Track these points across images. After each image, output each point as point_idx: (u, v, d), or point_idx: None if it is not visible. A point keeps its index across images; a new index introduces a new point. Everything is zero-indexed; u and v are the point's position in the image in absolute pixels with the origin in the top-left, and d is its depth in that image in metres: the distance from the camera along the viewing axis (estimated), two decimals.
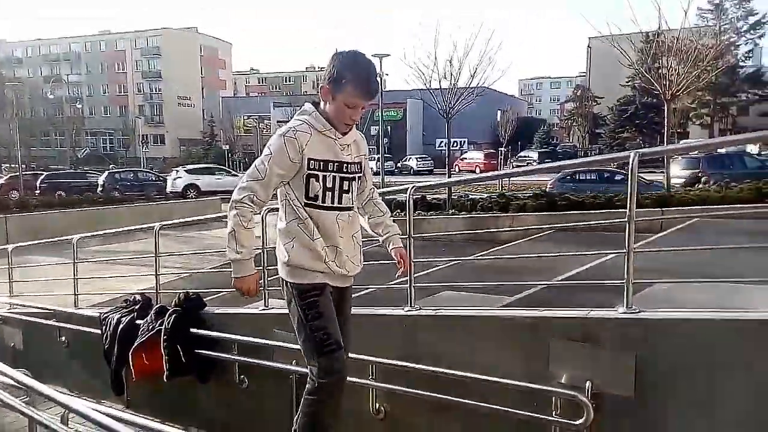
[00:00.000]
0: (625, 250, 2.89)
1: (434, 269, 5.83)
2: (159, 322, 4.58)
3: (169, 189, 27.59)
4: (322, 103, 2.58)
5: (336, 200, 2.58)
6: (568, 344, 2.89)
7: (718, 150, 20.25)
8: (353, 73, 2.47)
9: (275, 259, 2.70)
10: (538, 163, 37.12)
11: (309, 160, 2.50)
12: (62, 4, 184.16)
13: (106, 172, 30.35)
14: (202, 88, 78.09)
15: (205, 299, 4.88)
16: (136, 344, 4.63)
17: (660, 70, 13.17)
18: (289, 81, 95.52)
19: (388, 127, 44.89)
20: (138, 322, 4.85)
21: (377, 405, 3.50)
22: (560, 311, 3.11)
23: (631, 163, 2.88)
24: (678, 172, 16.88)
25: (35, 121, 61.67)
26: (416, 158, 47.19)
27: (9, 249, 7.54)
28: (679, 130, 42.60)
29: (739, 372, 2.54)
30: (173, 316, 4.49)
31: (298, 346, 2.71)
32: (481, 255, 6.12)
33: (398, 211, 8.43)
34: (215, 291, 5.64)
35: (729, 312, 2.76)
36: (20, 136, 27.91)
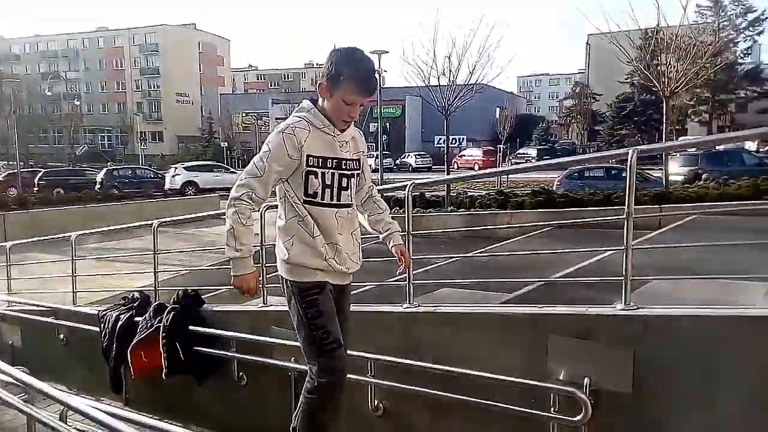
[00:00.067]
0: (623, 247, 2.89)
1: (433, 266, 5.83)
2: (158, 319, 4.58)
3: (167, 186, 27.57)
4: (320, 100, 2.57)
5: (335, 197, 2.57)
6: (567, 341, 2.90)
7: (717, 147, 20.25)
8: (351, 70, 2.46)
9: (274, 257, 2.69)
10: (537, 160, 37.13)
11: (308, 156, 2.50)
12: (62, 3, 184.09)
13: (105, 170, 30.33)
14: (201, 85, 77.89)
15: (203, 296, 4.88)
16: (134, 342, 4.63)
17: (659, 67, 13.17)
18: (288, 78, 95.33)
19: (387, 124, 44.89)
20: (137, 319, 4.85)
21: (376, 402, 3.50)
22: (559, 308, 3.12)
23: (629, 160, 2.89)
24: (676, 169, 16.89)
25: (33, 118, 61.44)
26: (415, 155, 47.16)
27: (7, 246, 7.54)
28: (677, 127, 42.57)
29: (737, 368, 2.55)
30: (172, 313, 4.50)
31: (296, 344, 2.70)
32: (479, 252, 6.12)
33: (397, 208, 8.43)
34: (214, 288, 5.65)
35: (727, 308, 2.77)
36: (18, 133, 27.85)
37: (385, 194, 2.96)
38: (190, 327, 4.44)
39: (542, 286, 4.44)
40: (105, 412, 2.13)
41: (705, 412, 2.61)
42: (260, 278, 3.70)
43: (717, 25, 34.77)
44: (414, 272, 3.59)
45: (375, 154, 27.04)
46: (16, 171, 26.42)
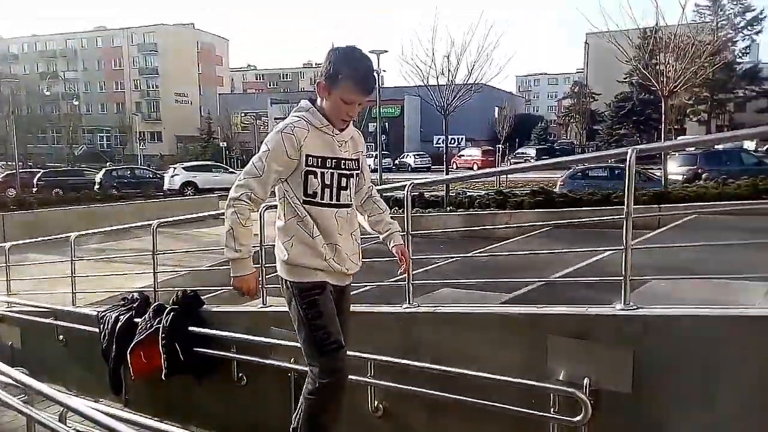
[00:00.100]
0: (622, 247, 2.89)
1: (432, 266, 5.83)
2: (157, 320, 4.58)
3: (166, 186, 27.56)
4: (319, 100, 2.56)
5: (334, 197, 2.56)
6: (567, 341, 2.90)
7: (716, 146, 20.27)
8: (350, 69, 2.45)
9: (273, 257, 2.69)
10: (536, 160, 37.12)
11: (307, 156, 2.49)
12: (62, 4, 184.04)
13: (104, 170, 30.32)
14: (199, 85, 77.85)
15: (203, 297, 4.87)
16: (134, 343, 4.63)
17: (657, 67, 13.20)
18: (287, 78, 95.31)
19: (386, 124, 44.84)
20: (136, 320, 4.84)
21: (376, 402, 3.50)
22: (558, 308, 3.11)
23: (628, 159, 2.88)
24: (675, 169, 16.89)
25: (32, 118, 61.37)
26: (414, 155, 47.16)
27: (6, 247, 7.53)
28: (676, 127, 42.59)
29: (737, 367, 2.55)
30: (171, 314, 4.49)
31: (296, 344, 2.70)
32: (479, 252, 6.12)
33: (396, 208, 8.43)
34: (213, 289, 5.64)
35: (726, 308, 2.78)
36: (17, 133, 27.83)
37: (384, 194, 2.95)
38: (190, 328, 4.44)
39: (542, 287, 4.44)
40: (105, 413, 2.13)
41: (705, 411, 2.61)
42: (260, 279, 3.70)
43: (715, 24, 34.85)
44: (413, 272, 3.59)
45: (374, 154, 27.04)
46: (14, 171, 26.41)
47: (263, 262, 4.04)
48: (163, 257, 6.22)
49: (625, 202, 2.90)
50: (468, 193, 12.90)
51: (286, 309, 2.69)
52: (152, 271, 5.44)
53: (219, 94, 75.79)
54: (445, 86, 14.54)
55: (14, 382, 2.63)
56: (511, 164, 36.13)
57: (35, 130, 62.39)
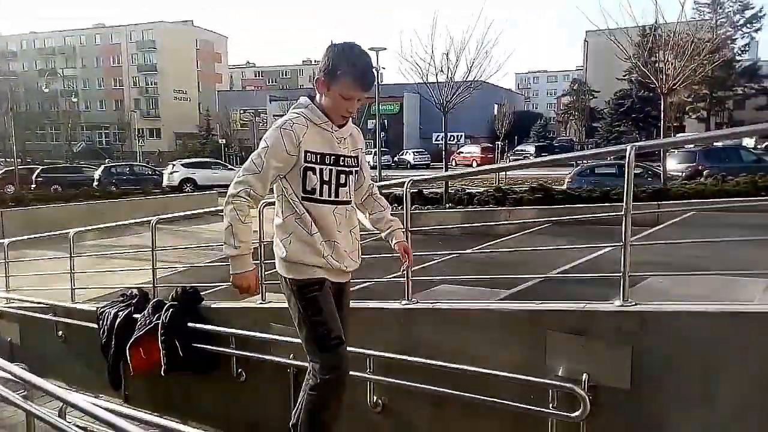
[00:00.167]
0: (621, 243, 2.89)
1: (431, 263, 5.83)
2: (156, 316, 4.59)
3: (165, 183, 27.52)
4: (318, 96, 2.55)
5: (333, 194, 2.56)
6: (565, 337, 2.90)
7: (715, 144, 20.26)
8: (349, 64, 2.45)
9: (273, 254, 2.69)
10: (535, 157, 37.11)
11: (306, 152, 2.48)
12: (62, 3, 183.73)
13: (102, 167, 30.23)
14: (198, 82, 77.73)
15: (202, 293, 4.87)
16: (133, 339, 4.63)
17: (657, 64, 13.18)
18: (286, 75, 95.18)
19: (385, 121, 44.90)
20: (135, 316, 4.85)
21: (375, 398, 3.51)
22: (557, 304, 3.12)
23: (627, 156, 2.89)
24: (674, 166, 16.89)
25: (30, 115, 61.27)
26: (413, 152, 47.17)
27: (5, 243, 7.52)
28: (675, 124, 42.55)
29: (735, 364, 2.56)
30: (170, 310, 4.50)
31: (295, 340, 2.70)
32: (478, 249, 6.12)
33: (395, 205, 8.42)
34: (212, 285, 5.64)
35: (725, 304, 2.78)
36: (15, 130, 27.80)
37: (383, 191, 2.95)
38: (189, 324, 4.44)
39: (540, 283, 4.44)
40: (104, 409, 2.13)
41: (704, 407, 2.62)
42: (259, 276, 3.70)
43: (715, 22, 34.75)
44: (412, 269, 3.59)
45: (373, 151, 27.02)
46: (13, 168, 26.38)
47: (262, 258, 4.04)
48: (162, 254, 6.22)
49: (624, 199, 2.90)
50: (467, 190, 12.90)
51: (286, 305, 2.69)
52: (151, 267, 5.44)
53: (218, 91, 75.66)
54: (445, 83, 14.54)
55: (14, 378, 2.62)
56: (510, 161, 36.12)
57: (34, 126, 62.28)
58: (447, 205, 11.44)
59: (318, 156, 2.51)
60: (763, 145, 29.15)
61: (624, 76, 46.26)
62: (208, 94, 74.52)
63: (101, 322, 5.13)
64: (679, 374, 2.66)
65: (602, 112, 53.94)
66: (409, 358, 3.28)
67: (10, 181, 25.26)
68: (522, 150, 45.66)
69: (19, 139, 35.60)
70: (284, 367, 3.81)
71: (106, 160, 42.82)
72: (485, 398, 3.01)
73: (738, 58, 47.54)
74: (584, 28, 59.51)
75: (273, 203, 2.69)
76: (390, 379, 3.39)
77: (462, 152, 43.20)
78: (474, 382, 3.06)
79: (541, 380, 2.87)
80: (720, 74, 40.60)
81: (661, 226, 7.19)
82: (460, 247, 6.46)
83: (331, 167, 2.54)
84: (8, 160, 32.14)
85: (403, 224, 2.95)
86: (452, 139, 34.39)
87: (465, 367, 3.06)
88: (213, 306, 4.68)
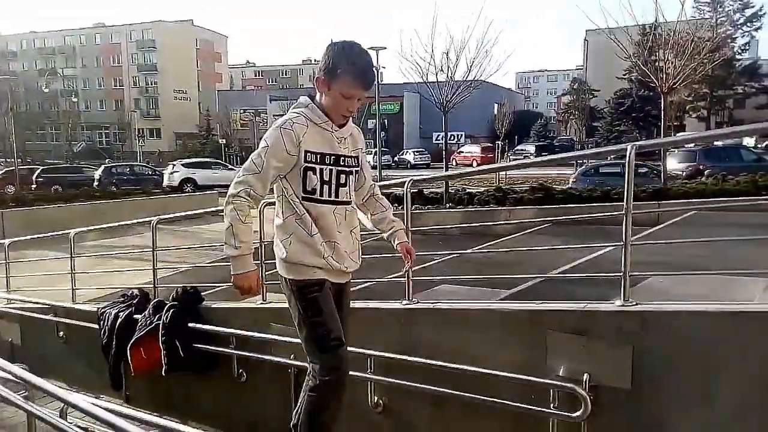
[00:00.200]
0: (622, 243, 2.89)
1: (431, 263, 5.83)
2: (157, 316, 4.59)
3: (165, 183, 27.51)
4: (318, 95, 2.54)
5: (333, 194, 2.55)
6: (566, 337, 2.90)
7: (715, 143, 20.25)
8: (349, 63, 2.43)
9: (273, 254, 2.68)
10: (535, 157, 37.11)
11: (306, 152, 2.47)
12: (62, 4, 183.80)
13: (103, 167, 30.24)
14: (198, 82, 77.73)
15: (202, 293, 4.88)
16: (134, 339, 4.63)
17: (657, 63, 13.18)
18: (286, 74, 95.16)
19: (385, 121, 44.88)
20: (136, 316, 4.85)
21: (376, 398, 3.51)
22: (558, 304, 3.12)
23: (628, 155, 2.88)
24: (674, 165, 16.89)
25: (30, 115, 61.31)
26: (413, 152, 47.15)
27: (6, 243, 7.52)
28: (675, 123, 42.54)
29: (736, 363, 2.56)
30: (171, 310, 4.50)
31: (296, 340, 2.70)
32: (478, 249, 6.12)
33: (395, 204, 8.39)
34: (213, 285, 5.65)
35: (725, 304, 2.78)
36: (15, 130, 27.81)
37: (383, 191, 2.95)
38: (190, 324, 4.44)
39: (541, 283, 4.44)
40: (105, 409, 2.13)
41: (704, 407, 2.62)
42: (260, 276, 3.69)
43: (715, 20, 34.69)
44: (413, 269, 3.59)
45: (373, 150, 27.02)
46: (14, 168, 26.39)
47: (263, 258, 4.04)
48: (163, 254, 6.23)
49: (625, 199, 2.90)
50: (467, 190, 12.91)
51: (286, 305, 2.68)
52: (152, 267, 5.44)
53: (218, 91, 75.66)
54: (445, 83, 14.53)
55: (14, 378, 2.62)
56: (510, 161, 36.11)
57: (34, 127, 62.30)
58: (447, 205, 11.45)
59: (318, 156, 2.50)
60: (764, 145, 29.12)
61: (624, 75, 46.26)
62: (208, 94, 74.51)
63: (102, 322, 5.13)
64: (679, 374, 2.66)
65: (602, 112, 53.94)
66: (410, 358, 3.28)
67: (11, 181, 25.27)
68: (522, 149, 45.65)
69: (20, 139, 35.61)
70: (285, 367, 3.81)
71: (107, 160, 42.82)
72: (486, 398, 3.01)
73: (738, 56, 47.48)
74: (584, 28, 59.51)
75: (273, 203, 2.69)
76: (390, 379, 3.39)
77: (462, 152, 43.18)
78: (474, 382, 3.06)
79: (542, 380, 2.87)
80: (720, 73, 40.56)
81: (662, 225, 7.19)
82: (461, 247, 6.46)
83: (331, 167, 2.53)
84: (8, 160, 32.13)
85: (403, 224, 2.95)
86: (452, 138, 34.35)
87: (465, 367, 3.06)
88: (214, 306, 4.68)
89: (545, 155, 35.22)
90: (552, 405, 2.83)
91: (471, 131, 48.02)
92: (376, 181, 2.95)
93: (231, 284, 2.57)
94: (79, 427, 2.44)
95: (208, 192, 22.91)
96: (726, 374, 2.57)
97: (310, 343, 2.56)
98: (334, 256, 2.55)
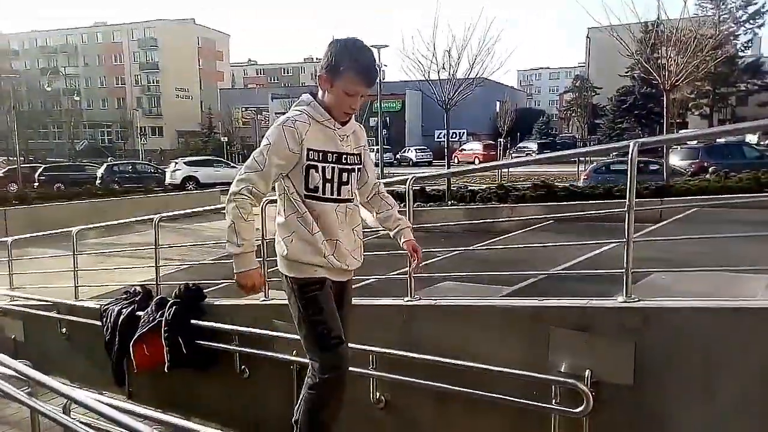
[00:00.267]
0: (624, 240, 2.89)
1: (434, 260, 5.84)
2: (159, 313, 4.60)
3: (167, 181, 27.54)
4: (320, 93, 2.53)
5: (335, 192, 2.54)
6: (568, 333, 2.91)
7: (718, 140, 20.23)
8: (352, 60, 2.42)
9: (275, 251, 2.68)
10: (537, 154, 37.07)
11: (308, 150, 2.46)
12: (62, 4, 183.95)
13: (105, 165, 30.29)
14: (200, 80, 77.78)
15: (205, 290, 4.89)
16: (136, 336, 4.64)
17: (659, 60, 13.14)
18: (288, 73, 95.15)
19: (387, 119, 44.79)
20: (138, 313, 4.86)
21: (378, 394, 3.51)
22: (560, 300, 3.12)
23: (631, 152, 2.88)
24: (677, 162, 16.87)
25: (33, 113, 61.42)
26: (415, 150, 47.13)
27: (8, 241, 7.54)
28: (678, 121, 42.49)
29: (737, 359, 2.56)
30: (174, 307, 4.51)
31: (298, 337, 2.70)
32: (480, 246, 6.12)
33: (398, 202, 8.39)
34: (215, 282, 5.65)
35: (727, 300, 2.78)
36: (18, 128, 27.83)
37: (385, 188, 2.95)
38: (192, 321, 4.46)
39: (543, 279, 4.45)
40: (108, 405, 2.14)
41: (706, 403, 2.62)
42: (263, 274, 3.70)
43: (717, 17, 34.59)
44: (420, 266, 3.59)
45: (375, 148, 27.02)
46: (16, 166, 26.43)
47: (265, 255, 4.05)
48: (165, 251, 6.24)
49: (627, 196, 2.89)
50: (469, 188, 12.90)
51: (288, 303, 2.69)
52: (154, 265, 5.45)
53: (220, 89, 75.68)
54: (447, 80, 14.51)
55: (18, 375, 2.63)
56: (512, 158, 36.08)
57: (36, 125, 62.44)
58: (449, 203, 11.44)
59: (320, 154, 2.49)
60: (766, 142, 29.04)
61: (626, 72, 46.11)
62: (210, 92, 74.56)
63: (105, 319, 5.15)
64: (681, 370, 2.66)
65: (605, 109, 53.85)
66: (412, 355, 3.28)
67: (13, 179, 25.33)
68: (524, 147, 45.59)
69: (22, 138, 35.71)
70: (287, 364, 3.82)
71: (109, 159, 42.86)
72: (488, 394, 3.01)
73: (741, 54, 47.30)
74: (584, 28, 59.54)
75: (275, 201, 2.69)
76: (393, 376, 3.40)
77: (464, 149, 43.15)
78: (476, 378, 3.06)
79: (544, 376, 2.87)
80: (723, 70, 40.37)
81: (664, 222, 7.19)
82: (463, 245, 6.47)
83: (333, 165, 2.53)
84: (11, 158, 32.17)
85: (409, 222, 2.95)
86: (454, 136, 34.33)
87: (468, 363, 3.07)
88: (216, 303, 4.69)
89: (547, 153, 35.23)
90: (554, 401, 2.84)
91: (473, 129, 47.96)
92: (379, 179, 2.95)
93: (233, 282, 2.56)
94: (82, 423, 2.44)
95: (209, 190, 22.93)
96: (727, 370, 2.57)
97: (310, 341, 2.56)
98: (335, 255, 2.55)
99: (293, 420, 2.72)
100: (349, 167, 2.59)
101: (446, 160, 17.18)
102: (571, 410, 2.75)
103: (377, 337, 3.41)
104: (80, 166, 33.40)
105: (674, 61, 11.89)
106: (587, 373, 2.77)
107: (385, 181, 3.89)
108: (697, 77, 14.52)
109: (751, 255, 3.88)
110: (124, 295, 5.31)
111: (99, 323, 5.22)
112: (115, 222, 7.55)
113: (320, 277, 2.55)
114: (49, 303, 6.25)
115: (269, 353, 3.98)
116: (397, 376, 3.38)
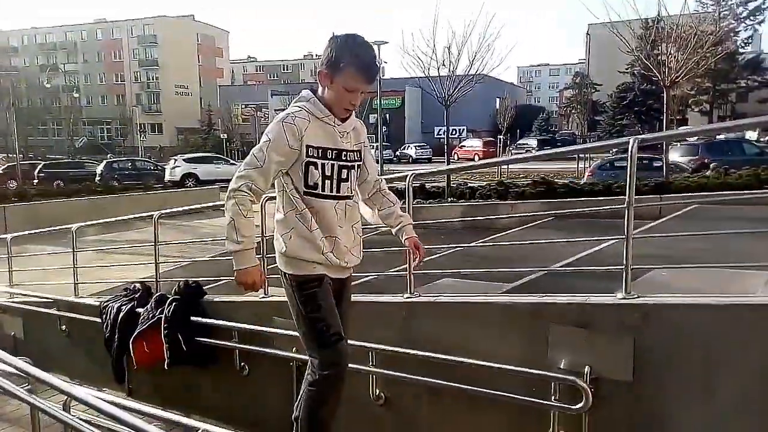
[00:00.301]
0: (623, 237, 2.89)
1: (433, 257, 5.84)
2: (159, 310, 4.60)
3: (167, 178, 27.51)
4: (320, 89, 2.52)
5: (334, 189, 2.53)
6: (568, 330, 2.91)
7: (718, 137, 20.21)
8: (352, 56, 2.41)
9: (274, 248, 2.68)
10: (537, 151, 37.07)
11: (308, 147, 2.45)
12: (62, 3, 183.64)
13: (104, 162, 30.24)
14: (200, 77, 77.69)
15: (204, 287, 4.89)
16: (136, 333, 4.64)
17: (659, 57, 13.12)
18: (288, 69, 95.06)
19: (387, 116, 44.74)
20: (138, 310, 4.86)
21: (377, 391, 3.52)
22: (559, 297, 3.12)
23: (630, 149, 2.88)
24: (677, 159, 16.87)
25: (32, 110, 61.41)
26: (415, 146, 47.12)
27: (8, 238, 7.53)
28: (678, 117, 42.42)
29: (737, 356, 2.56)
30: (173, 304, 4.51)
31: (297, 333, 2.70)
32: (480, 242, 6.12)
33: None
34: (215, 279, 5.65)
35: (726, 297, 2.77)
36: (17, 125, 27.81)
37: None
38: (192, 318, 4.45)
39: (543, 276, 4.45)
40: (108, 402, 2.14)
41: (705, 399, 2.62)
42: (263, 271, 3.70)
43: (718, 14, 34.52)
44: (415, 262, 3.59)
45: (375, 145, 27.01)
46: (15, 163, 26.42)
47: (265, 252, 4.05)
48: (165, 248, 6.23)
49: (627, 192, 2.89)
50: (469, 184, 12.90)
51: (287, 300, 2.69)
52: (154, 261, 5.45)
53: (219, 86, 75.60)
54: (446, 77, 14.49)
55: (18, 372, 2.63)
56: (512, 155, 36.07)
57: (36, 122, 62.42)
58: (449, 199, 11.45)
59: (320, 150, 2.48)
60: (766, 138, 29.03)
61: (626, 69, 46.10)
62: (209, 89, 74.49)
63: (104, 316, 5.14)
64: (680, 366, 2.66)
65: (605, 106, 53.85)
66: (412, 351, 3.28)
67: (13, 176, 25.31)
68: (524, 144, 45.61)
69: (21, 135, 35.68)
70: (287, 360, 3.82)
71: (108, 156, 42.77)
72: (487, 391, 3.02)
73: (741, 50, 47.24)
74: (584, 28, 59.33)
75: (274, 198, 2.68)
76: (392, 372, 3.40)
77: (464, 146, 43.17)
78: (476, 374, 3.06)
79: (544, 372, 2.87)
80: (723, 67, 40.36)
81: (664, 219, 7.19)
82: (462, 241, 6.47)
83: (332, 162, 2.52)
84: (10, 155, 32.12)
85: (411, 219, 2.94)
86: (454, 133, 34.37)
87: (467, 360, 3.07)
88: (216, 300, 4.69)
89: (547, 149, 35.22)
90: (553, 397, 2.84)
91: (473, 125, 48.03)
92: (381, 176, 2.94)
93: (233, 279, 2.56)
94: (82, 420, 2.44)
95: (209, 187, 22.90)
96: (727, 367, 2.57)
97: (309, 338, 2.56)
98: (334, 252, 2.54)
99: (293, 417, 2.72)
100: (349, 164, 2.58)
101: (446, 157, 17.19)
102: (570, 407, 2.75)
103: (377, 334, 3.41)
104: (80, 163, 33.39)
105: (674, 57, 11.88)
106: (587, 369, 2.77)
107: (385, 177, 3.88)
108: (697, 74, 14.53)
109: (750, 251, 3.87)
110: (124, 292, 5.30)
111: (99, 320, 5.21)
112: (115, 219, 7.55)
113: (319, 274, 2.54)
114: (49, 300, 6.25)
115: (269, 350, 3.98)
116: (396, 373, 3.38)
